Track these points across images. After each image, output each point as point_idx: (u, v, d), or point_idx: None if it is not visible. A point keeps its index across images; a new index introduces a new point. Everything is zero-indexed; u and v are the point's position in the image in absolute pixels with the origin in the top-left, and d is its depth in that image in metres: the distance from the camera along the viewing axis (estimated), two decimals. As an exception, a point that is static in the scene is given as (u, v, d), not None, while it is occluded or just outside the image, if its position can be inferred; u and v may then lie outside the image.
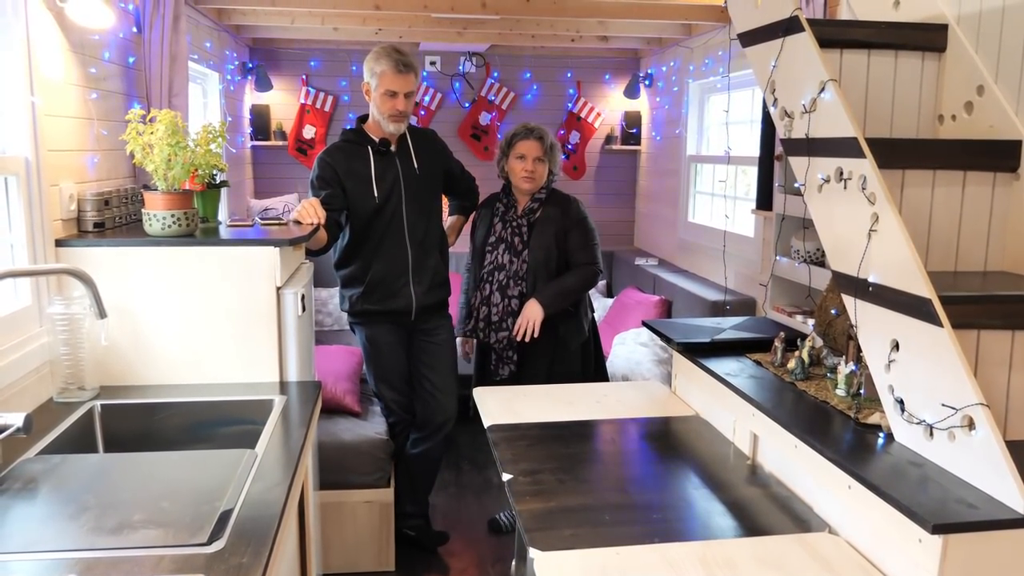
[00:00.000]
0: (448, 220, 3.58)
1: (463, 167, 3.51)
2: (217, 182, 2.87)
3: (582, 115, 6.07)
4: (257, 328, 2.48)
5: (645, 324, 3.14)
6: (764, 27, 2.36)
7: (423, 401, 3.41)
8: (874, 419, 1.87)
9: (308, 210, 2.81)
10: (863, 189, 1.90)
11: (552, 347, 3.42)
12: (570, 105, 6.07)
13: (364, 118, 3.20)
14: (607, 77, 6.09)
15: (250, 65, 5.51)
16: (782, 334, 2.46)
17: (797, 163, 2.23)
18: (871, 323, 1.85)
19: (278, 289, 2.47)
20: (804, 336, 2.48)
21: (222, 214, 4.50)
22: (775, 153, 3.49)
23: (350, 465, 3.40)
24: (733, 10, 2.63)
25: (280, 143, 5.73)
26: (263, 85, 5.56)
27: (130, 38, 2.98)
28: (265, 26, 5.00)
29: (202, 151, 2.45)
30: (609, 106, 6.12)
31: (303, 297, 2.54)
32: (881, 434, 1.83)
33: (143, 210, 2.44)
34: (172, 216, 2.41)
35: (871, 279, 1.84)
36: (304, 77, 5.74)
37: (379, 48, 3.01)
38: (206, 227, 2.74)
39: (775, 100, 2.35)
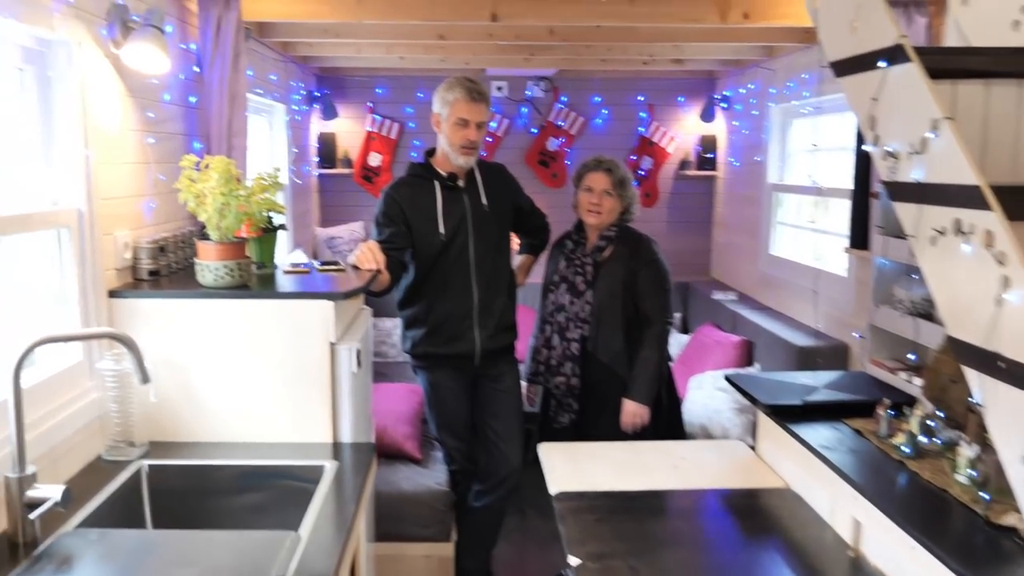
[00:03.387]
0: (517, 259, 3.40)
1: (533, 204, 3.33)
2: (274, 225, 2.75)
3: (655, 139, 5.84)
4: (310, 385, 2.34)
5: (728, 380, 2.90)
6: (862, 56, 2.12)
7: (487, 451, 3.22)
8: (1008, 520, 1.60)
9: (366, 255, 2.68)
10: (989, 247, 1.64)
11: (619, 393, 3.21)
12: (642, 129, 5.85)
13: (431, 152, 3.05)
14: (681, 99, 5.86)
15: (317, 94, 5.46)
16: (886, 401, 2.19)
17: (904, 210, 1.96)
18: (1003, 405, 1.59)
19: (332, 344, 2.33)
20: (912, 402, 2.21)
21: (280, 256, 4.45)
22: (871, 189, 3.21)
23: (408, 516, 3.24)
24: (824, 35, 2.39)
25: (346, 171, 5.67)
26: (329, 113, 5.51)
27: (192, 77, 2.90)
28: (332, 56, 4.93)
29: (256, 200, 2.33)
30: (683, 130, 5.88)
31: (359, 352, 2.39)
32: (1018, 540, 1.57)
33: (195, 260, 2.33)
34: (225, 267, 2.29)
35: (1003, 353, 1.58)
36: (370, 105, 5.67)
37: (451, 78, 2.88)
38: (263, 274, 2.62)
39: (876, 137, 2.09)
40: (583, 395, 3.21)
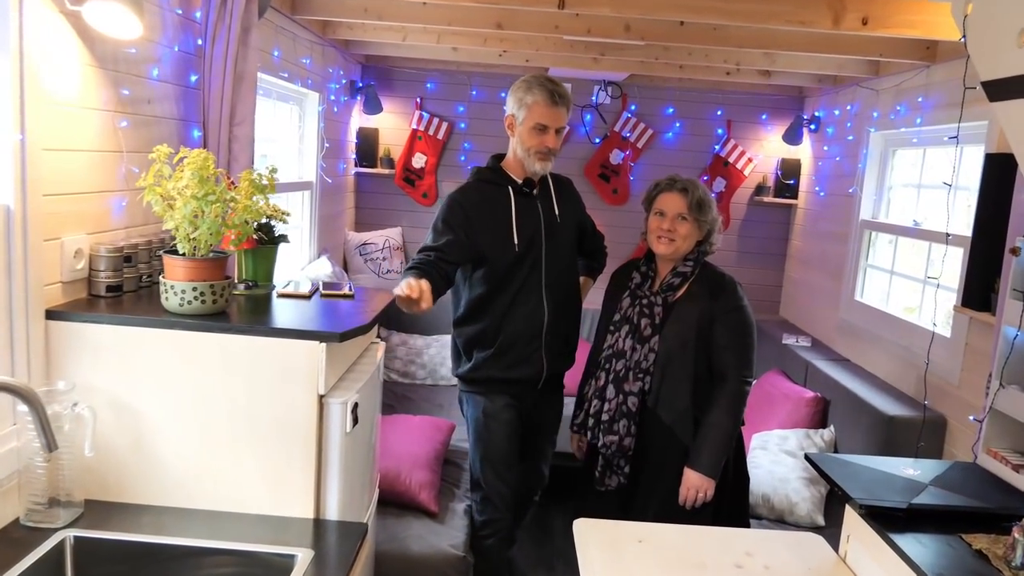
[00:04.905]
0: None
1: (595, 224, 3.09)
2: (275, 236, 2.27)
3: (730, 160, 5.25)
4: (291, 445, 1.84)
5: (809, 460, 2.40)
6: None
7: (523, 470, 2.97)
8: None
9: (412, 285, 2.19)
10: None
11: (679, 458, 2.66)
12: (717, 147, 5.27)
13: (500, 157, 2.80)
14: (764, 117, 5.26)
15: (360, 84, 4.99)
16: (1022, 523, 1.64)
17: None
18: None
19: (321, 397, 1.83)
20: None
21: (296, 267, 4.00)
22: (1011, 244, 2.60)
23: (416, 584, 2.75)
24: (977, 49, 1.86)
25: (387, 171, 5.19)
26: (372, 107, 5.03)
27: (193, 52, 2.44)
28: (376, 42, 4.45)
29: (241, 206, 1.84)
30: (763, 151, 5.28)
31: (356, 407, 1.88)
32: None
33: (161, 279, 1.85)
34: (194, 290, 1.81)
35: None
36: (418, 100, 5.19)
37: (529, 77, 2.66)
38: (253, 295, 2.13)
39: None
40: (636, 457, 2.67)
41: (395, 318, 5.08)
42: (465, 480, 3.48)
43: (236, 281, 2.19)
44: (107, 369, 1.80)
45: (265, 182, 1.89)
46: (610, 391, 2.66)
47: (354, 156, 5.12)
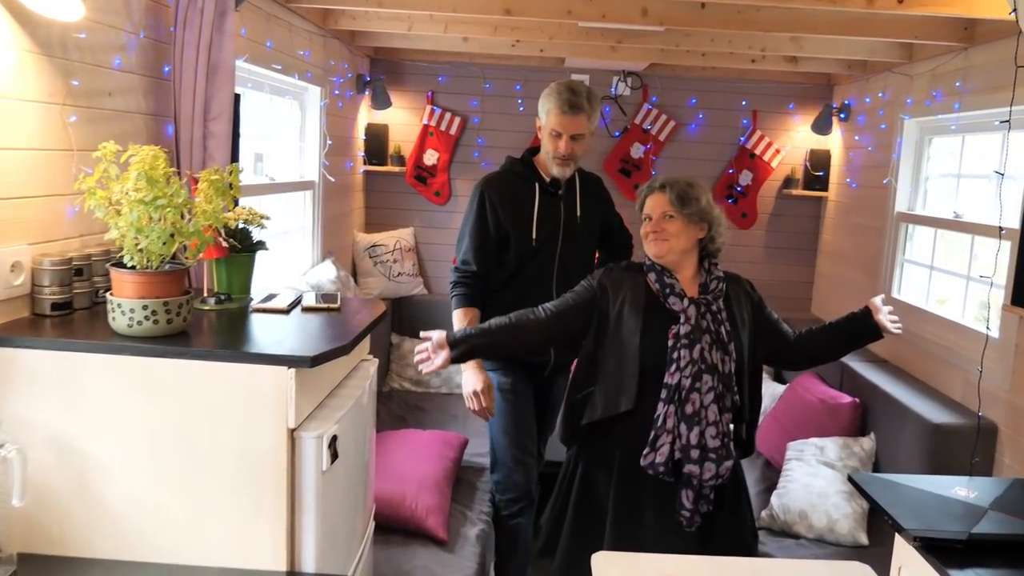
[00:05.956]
0: None
1: (622, 221, 3.12)
2: (251, 243, 2.04)
3: (756, 151, 4.96)
4: (259, 488, 1.61)
5: (853, 482, 2.17)
6: None
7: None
8: None
9: (474, 403, 2.71)
10: None
11: (740, 482, 2.47)
12: (742, 139, 4.98)
13: (535, 150, 2.90)
14: (791, 107, 4.96)
15: (367, 79, 4.75)
16: None
17: None
18: None
19: (292, 431, 1.59)
20: None
21: (301, 271, 3.77)
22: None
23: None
24: None
25: (397, 169, 4.95)
26: (381, 102, 4.79)
27: (166, 39, 2.22)
28: (382, 33, 4.21)
29: (199, 211, 1.61)
30: (792, 142, 4.98)
31: (334, 441, 1.65)
32: None
33: (108, 296, 1.62)
34: (144, 309, 1.58)
35: None
36: (430, 94, 4.95)
37: (555, 83, 2.74)
38: (223, 310, 1.90)
39: None
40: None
41: (407, 321, 4.85)
42: (479, 500, 3.26)
43: (206, 295, 1.96)
44: (46, 402, 1.58)
45: (228, 181, 1.65)
46: (712, 412, 2.27)
47: (362, 154, 4.89)
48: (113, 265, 1.61)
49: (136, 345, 1.57)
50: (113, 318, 1.60)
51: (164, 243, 1.55)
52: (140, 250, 1.56)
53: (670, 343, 2.25)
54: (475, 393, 2.69)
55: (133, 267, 1.59)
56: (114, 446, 1.61)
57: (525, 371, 2.89)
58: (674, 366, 2.24)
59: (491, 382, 2.73)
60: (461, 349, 2.32)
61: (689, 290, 2.34)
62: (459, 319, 2.75)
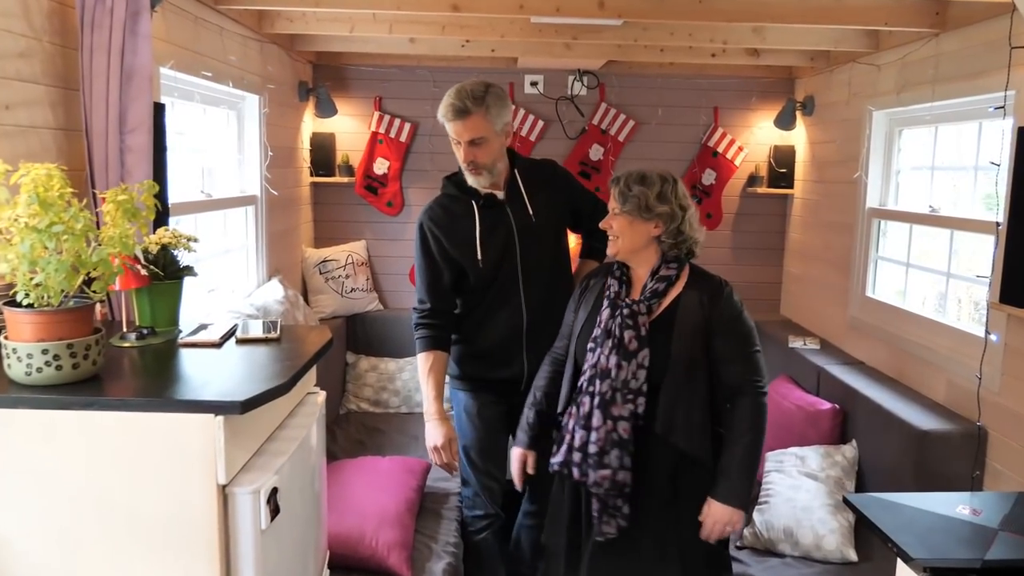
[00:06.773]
0: (575, 263, 2.90)
1: (596, 198, 2.84)
2: (178, 269, 1.82)
3: (719, 150, 4.82)
4: (187, 552, 1.38)
5: (848, 504, 2.08)
6: None
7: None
8: None
9: (439, 458, 2.61)
10: None
11: (694, 489, 2.27)
12: (704, 137, 4.84)
13: None
14: (753, 102, 4.84)
15: (311, 86, 4.52)
16: None
17: None
18: None
19: (223, 487, 1.37)
20: None
21: (249, 291, 3.53)
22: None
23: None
24: None
25: (346, 179, 4.71)
26: (326, 110, 4.55)
27: (74, 45, 1.98)
28: (322, 36, 3.99)
29: (105, 237, 1.38)
30: (755, 139, 4.85)
31: (274, 494, 1.43)
32: None
33: (2, 339, 1.38)
34: (44, 353, 1.35)
35: None
36: (377, 100, 4.73)
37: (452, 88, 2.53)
38: (146, 347, 1.67)
39: None
40: (635, 494, 2.23)
41: (362, 339, 4.62)
42: (444, 531, 3.06)
43: (126, 330, 1.73)
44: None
45: (137, 201, 1.43)
46: (596, 418, 2.21)
47: (308, 165, 4.65)
48: (6, 304, 1.37)
49: (36, 397, 1.34)
50: (9, 365, 1.37)
51: (64, 276, 1.32)
52: (37, 285, 1.33)
53: (589, 346, 2.28)
54: (436, 449, 2.60)
55: (30, 305, 1.36)
56: (17, 515, 1.37)
57: (496, 391, 2.74)
58: (584, 367, 2.28)
59: (454, 435, 2.63)
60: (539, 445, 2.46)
61: (638, 291, 2.29)
62: (422, 364, 2.66)
